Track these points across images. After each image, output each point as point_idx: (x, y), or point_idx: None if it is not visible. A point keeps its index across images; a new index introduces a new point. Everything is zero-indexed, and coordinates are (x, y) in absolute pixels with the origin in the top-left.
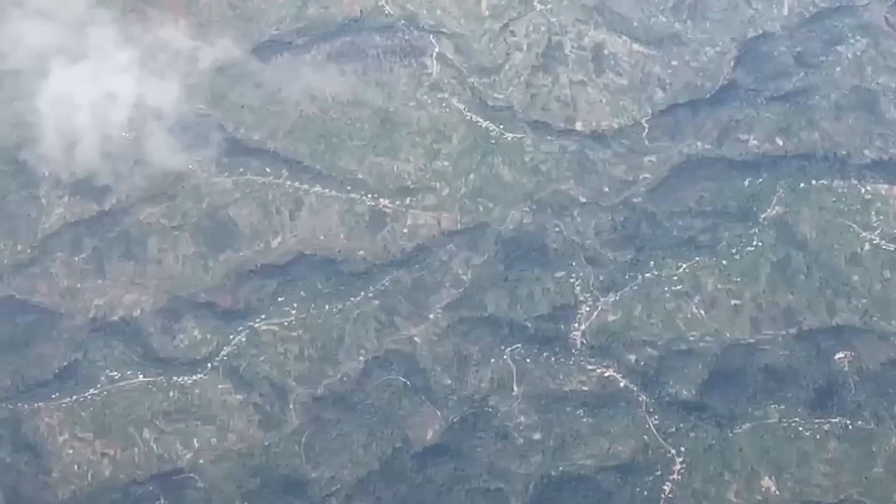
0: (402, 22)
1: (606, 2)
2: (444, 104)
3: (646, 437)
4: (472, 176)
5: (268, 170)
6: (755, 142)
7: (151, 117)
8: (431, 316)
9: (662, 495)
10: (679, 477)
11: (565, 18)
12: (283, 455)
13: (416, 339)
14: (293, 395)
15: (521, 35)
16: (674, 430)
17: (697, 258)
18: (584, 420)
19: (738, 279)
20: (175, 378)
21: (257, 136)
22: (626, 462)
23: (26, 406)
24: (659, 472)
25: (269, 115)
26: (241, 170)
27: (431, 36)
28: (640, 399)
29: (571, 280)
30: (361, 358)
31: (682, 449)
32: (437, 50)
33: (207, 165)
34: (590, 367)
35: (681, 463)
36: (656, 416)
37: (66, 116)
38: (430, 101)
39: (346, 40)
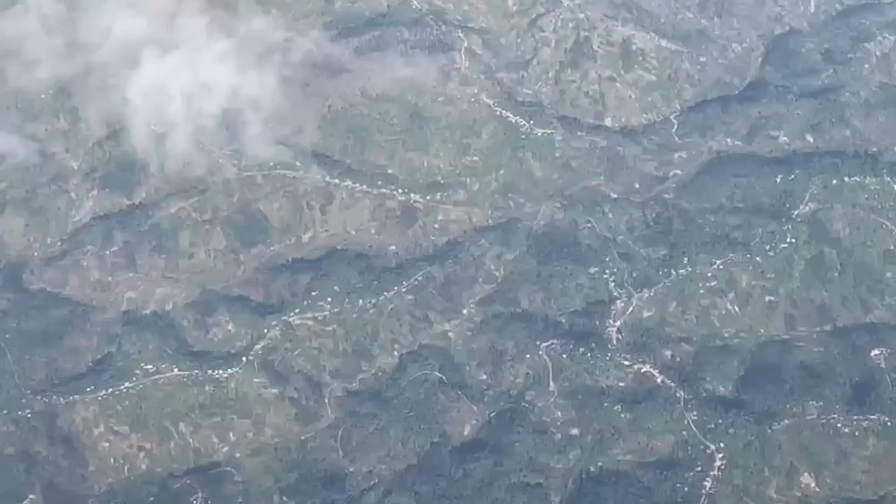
0: (430, 17)
1: None
2: (473, 99)
3: (685, 433)
4: (502, 171)
5: (298, 164)
6: (785, 138)
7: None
8: (465, 311)
9: (703, 491)
10: (719, 473)
11: (593, 14)
12: (320, 449)
13: (450, 334)
14: (328, 390)
15: (550, 31)
16: (713, 426)
17: (731, 255)
18: (622, 416)
19: (773, 276)
20: (210, 372)
21: (286, 130)
22: (666, 458)
23: (61, 399)
24: (699, 468)
25: (298, 109)
26: (272, 164)
27: (459, 31)
28: (678, 395)
29: (605, 276)
30: (396, 353)
31: (722, 445)
32: (465, 45)
33: (237, 159)
34: (626, 362)
35: (721, 459)
36: (695, 413)
37: (158, 107)
38: (459, 97)
39: (373, 35)
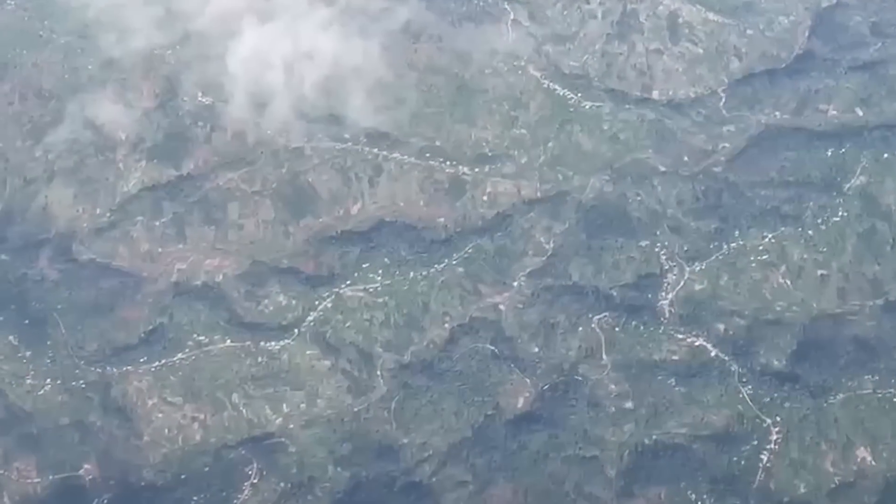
0: None
1: None
2: (520, 72)
3: (740, 406)
4: (550, 144)
5: (346, 136)
6: (835, 112)
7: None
8: (515, 284)
9: (760, 465)
10: (776, 447)
11: None
12: (374, 421)
13: (501, 306)
14: (380, 362)
15: (596, 3)
16: (768, 400)
17: (782, 228)
18: (676, 389)
19: (824, 249)
20: (262, 343)
21: (334, 102)
22: (721, 432)
23: (115, 370)
24: (756, 442)
25: (345, 81)
26: (320, 136)
27: (506, 3)
28: (733, 369)
29: (656, 249)
30: (447, 325)
31: (778, 419)
32: (511, 17)
33: (286, 131)
34: (679, 336)
35: (777, 433)
36: (749, 386)
37: (258, 76)
38: (506, 69)
39: (420, 7)
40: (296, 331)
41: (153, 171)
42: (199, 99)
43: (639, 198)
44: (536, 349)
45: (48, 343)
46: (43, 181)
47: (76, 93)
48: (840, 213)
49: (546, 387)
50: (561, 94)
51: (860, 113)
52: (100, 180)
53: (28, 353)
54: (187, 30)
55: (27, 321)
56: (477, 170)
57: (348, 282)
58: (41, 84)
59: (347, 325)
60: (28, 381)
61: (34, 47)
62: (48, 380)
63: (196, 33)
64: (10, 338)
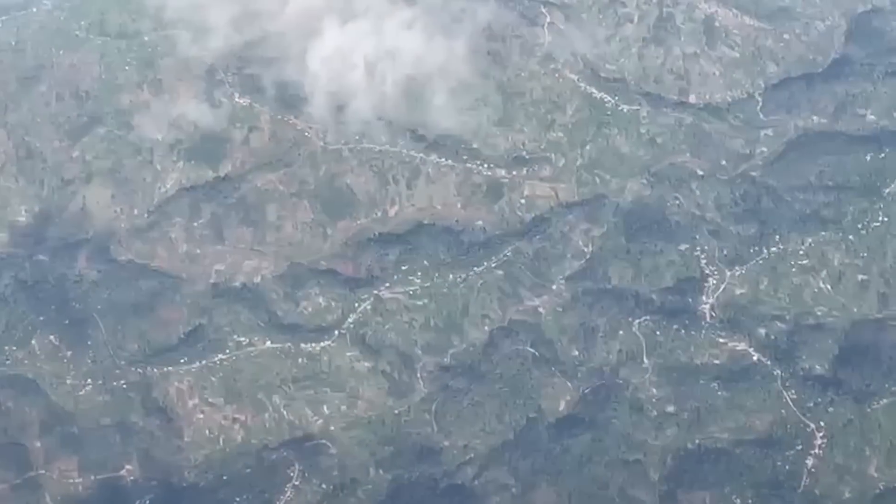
0: None
1: None
2: (556, 74)
3: (783, 411)
4: (588, 147)
5: (383, 138)
6: (873, 116)
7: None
8: (554, 287)
9: (805, 469)
10: (820, 451)
11: None
12: (414, 423)
13: (541, 309)
14: (420, 364)
15: (632, 6)
16: (811, 404)
17: (822, 233)
18: (719, 393)
19: (865, 254)
20: (303, 345)
21: (370, 104)
22: (765, 436)
23: (155, 370)
24: (800, 447)
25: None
26: (357, 137)
27: (542, 6)
28: (775, 373)
29: (696, 253)
30: (486, 328)
31: (822, 424)
32: (548, 20)
33: (322, 133)
34: (721, 340)
35: (821, 438)
36: (793, 391)
37: (338, 75)
38: (543, 72)
39: (456, 10)
40: (336, 332)
41: (191, 172)
42: (237, 100)
43: (677, 201)
44: (577, 352)
45: (88, 343)
46: (81, 182)
47: (112, 93)
48: (880, 218)
49: (587, 390)
50: (598, 97)
51: None
52: (137, 181)
53: (69, 354)
54: (266, 29)
55: (67, 321)
56: (514, 172)
57: (387, 284)
58: (78, 84)
59: (387, 327)
60: (69, 382)
61: (70, 48)
62: (89, 380)
63: (275, 33)
64: (51, 338)
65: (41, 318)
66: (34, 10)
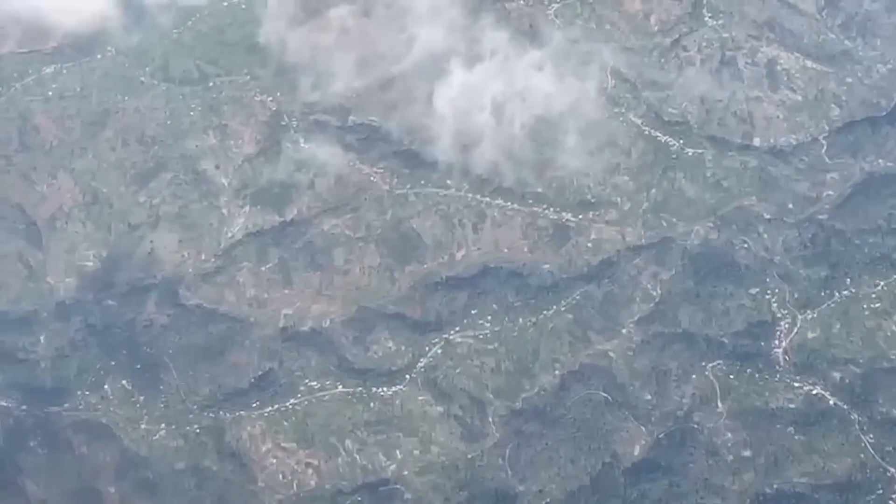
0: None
1: (777, 18)
2: (620, 118)
3: (862, 455)
4: (653, 191)
5: (448, 182)
6: None
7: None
8: (624, 331)
9: None
10: None
11: (737, 34)
12: (488, 468)
13: (611, 353)
14: (492, 409)
15: (694, 50)
16: (891, 448)
17: (894, 276)
18: (796, 437)
19: None
20: (374, 389)
21: (435, 148)
22: (844, 481)
23: (228, 415)
24: (881, 491)
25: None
26: (423, 182)
27: (605, 50)
28: (853, 417)
29: (767, 296)
30: (557, 372)
31: None
32: (611, 65)
33: (389, 177)
34: (796, 384)
35: None
36: (871, 435)
37: (465, 117)
38: (606, 115)
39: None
40: (407, 377)
41: (257, 217)
42: (302, 145)
43: (745, 245)
44: (649, 396)
45: (160, 388)
46: (148, 226)
47: (178, 139)
48: None
49: (662, 435)
50: (662, 140)
51: None
52: (204, 225)
53: (141, 399)
54: (390, 72)
55: (139, 366)
56: (580, 216)
57: (457, 328)
58: (143, 130)
59: (458, 371)
60: (143, 427)
61: (135, 93)
62: (162, 424)
63: (400, 76)
64: (123, 382)
65: (112, 363)
66: (98, 56)
